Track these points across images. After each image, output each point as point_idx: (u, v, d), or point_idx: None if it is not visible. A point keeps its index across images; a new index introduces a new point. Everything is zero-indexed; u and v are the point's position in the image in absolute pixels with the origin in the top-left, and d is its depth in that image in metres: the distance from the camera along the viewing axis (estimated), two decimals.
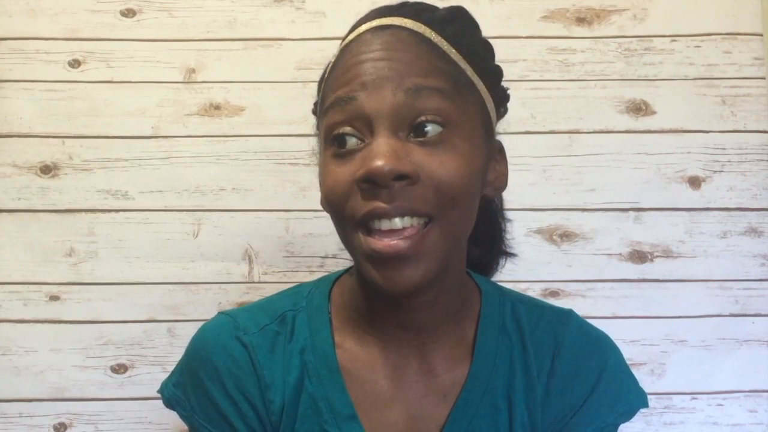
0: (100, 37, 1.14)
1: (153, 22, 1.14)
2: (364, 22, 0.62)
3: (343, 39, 0.64)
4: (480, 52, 0.64)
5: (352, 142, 0.58)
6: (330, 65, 0.64)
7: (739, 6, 1.15)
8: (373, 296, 0.65)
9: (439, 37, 0.60)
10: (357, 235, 0.58)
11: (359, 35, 0.61)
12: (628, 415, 0.69)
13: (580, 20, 1.16)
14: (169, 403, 0.70)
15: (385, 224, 0.56)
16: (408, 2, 0.64)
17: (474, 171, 0.59)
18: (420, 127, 0.57)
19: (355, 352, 0.66)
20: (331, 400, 0.65)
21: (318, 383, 0.65)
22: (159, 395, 0.71)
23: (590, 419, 0.67)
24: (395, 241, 0.56)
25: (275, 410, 0.65)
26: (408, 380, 0.66)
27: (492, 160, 0.65)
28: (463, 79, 0.60)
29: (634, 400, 0.70)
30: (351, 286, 0.68)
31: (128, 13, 1.14)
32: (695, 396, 1.12)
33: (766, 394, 1.12)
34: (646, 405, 0.71)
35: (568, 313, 0.72)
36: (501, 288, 0.73)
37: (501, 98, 0.67)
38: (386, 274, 0.57)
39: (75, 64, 1.14)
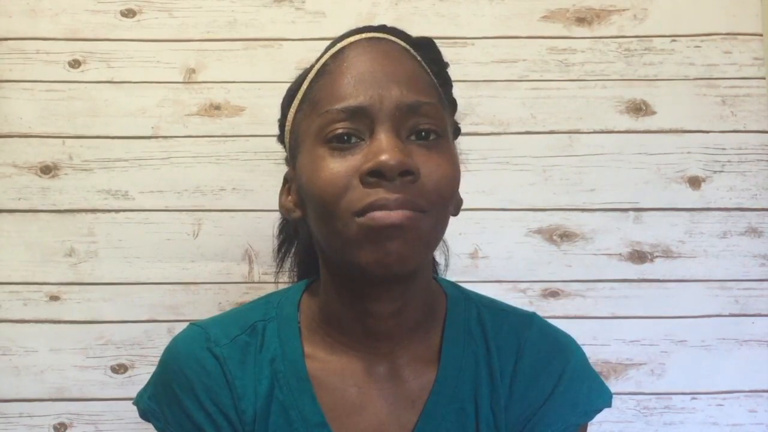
0: (100, 37, 1.14)
1: (153, 22, 1.14)
2: (352, 35, 0.66)
3: (329, 48, 0.67)
4: (448, 79, 0.69)
5: (351, 139, 0.60)
6: (315, 69, 0.66)
7: (739, 6, 1.15)
8: (346, 302, 0.66)
9: (419, 58, 0.66)
10: (352, 221, 0.59)
11: (354, 42, 0.65)
12: (589, 415, 0.70)
13: (580, 20, 1.16)
14: (145, 415, 0.71)
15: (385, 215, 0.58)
16: (386, 25, 0.68)
17: (459, 176, 0.64)
18: (419, 132, 0.61)
19: (324, 361, 0.68)
20: (302, 408, 0.66)
21: (288, 392, 0.66)
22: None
23: (552, 419, 0.68)
24: (395, 213, 0.58)
25: (248, 420, 0.66)
26: (377, 387, 0.67)
27: None
28: (441, 98, 0.66)
29: (596, 400, 0.71)
30: (321, 295, 0.69)
31: (128, 14, 1.14)
32: (695, 396, 1.12)
33: (766, 394, 1.12)
34: (608, 405, 0.72)
35: (531, 316, 0.73)
36: (465, 291, 0.74)
37: (456, 129, 0.71)
38: (380, 249, 0.58)
39: (75, 64, 1.14)
